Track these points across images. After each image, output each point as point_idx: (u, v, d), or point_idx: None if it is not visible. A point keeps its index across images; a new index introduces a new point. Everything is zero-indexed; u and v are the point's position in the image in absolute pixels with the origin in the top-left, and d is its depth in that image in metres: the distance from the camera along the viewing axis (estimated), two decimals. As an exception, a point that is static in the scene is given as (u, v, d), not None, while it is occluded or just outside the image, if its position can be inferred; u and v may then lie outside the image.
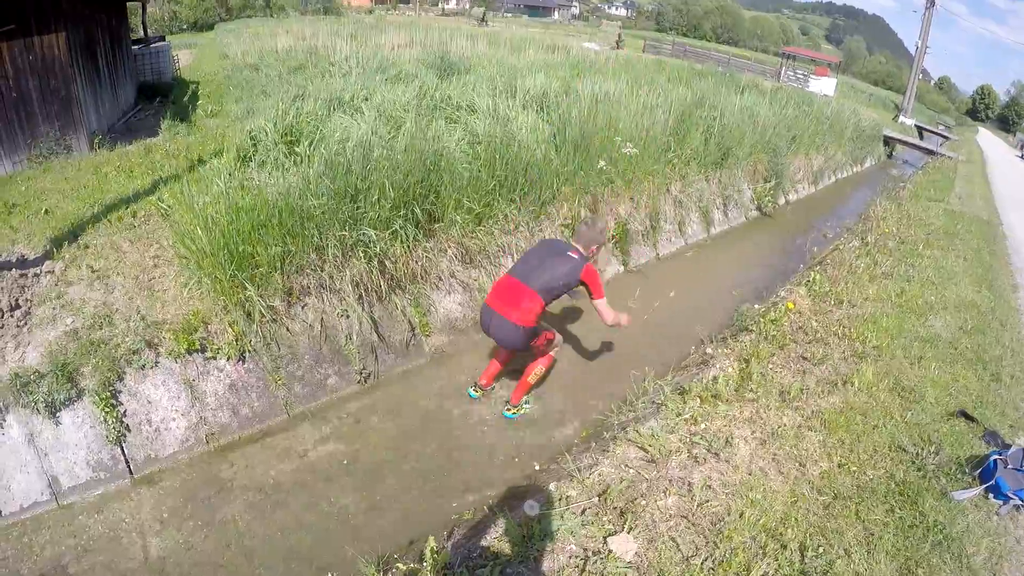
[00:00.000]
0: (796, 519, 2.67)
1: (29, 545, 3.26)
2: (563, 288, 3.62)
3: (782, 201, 9.55)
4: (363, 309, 3.98)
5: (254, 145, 5.14)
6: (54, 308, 4.03)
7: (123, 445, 3.62)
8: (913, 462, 3.16)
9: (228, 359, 3.74)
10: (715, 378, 3.80)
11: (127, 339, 3.71)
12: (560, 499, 2.69)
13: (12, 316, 3.98)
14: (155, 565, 3.24)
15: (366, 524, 3.26)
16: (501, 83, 8.07)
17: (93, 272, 4.29)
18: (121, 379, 3.66)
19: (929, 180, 12.00)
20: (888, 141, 18.14)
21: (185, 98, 9.96)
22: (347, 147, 4.22)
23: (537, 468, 3.55)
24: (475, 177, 4.48)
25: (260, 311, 3.68)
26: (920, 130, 23.81)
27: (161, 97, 9.82)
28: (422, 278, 4.25)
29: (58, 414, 3.59)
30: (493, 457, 3.66)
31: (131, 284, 4.11)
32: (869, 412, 3.54)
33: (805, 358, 4.17)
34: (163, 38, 11.88)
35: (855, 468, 3.05)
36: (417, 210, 3.96)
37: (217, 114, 8.69)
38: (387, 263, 3.98)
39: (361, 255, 3.77)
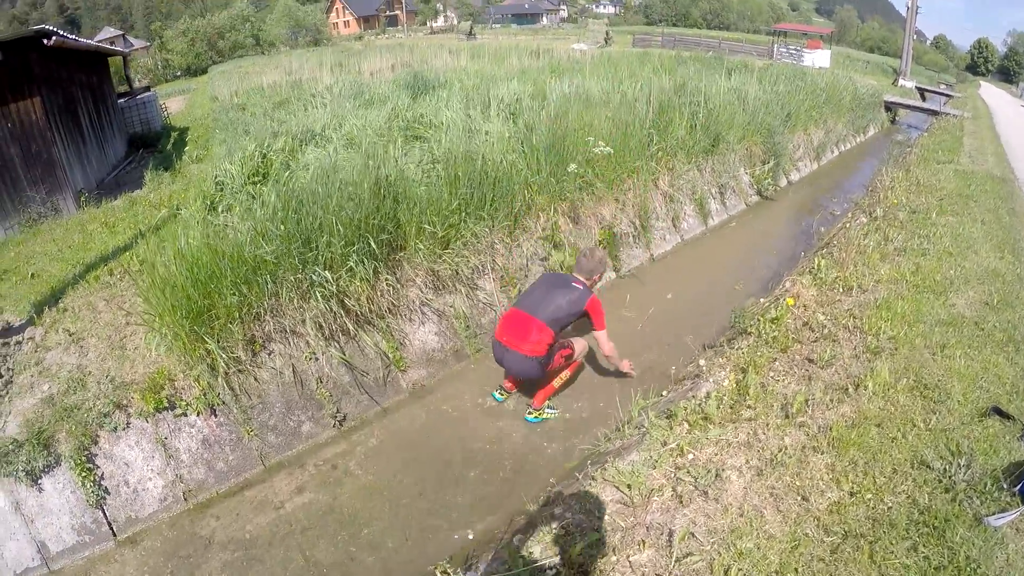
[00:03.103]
0: (796, 570, 2.25)
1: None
2: (569, 317, 3.74)
3: (783, 182, 9.14)
4: (331, 350, 3.91)
5: (221, 190, 5.15)
6: (32, 375, 4.07)
7: (104, 508, 3.62)
8: (940, 480, 2.64)
9: (198, 414, 3.70)
10: (708, 395, 3.48)
11: (98, 402, 3.71)
12: (522, 557, 2.47)
13: (-11, 390, 4.03)
14: None
15: None
16: (477, 95, 8.02)
17: (70, 336, 4.32)
18: (96, 443, 3.65)
19: (936, 142, 11.39)
20: (890, 107, 17.48)
21: (171, 145, 10.14)
22: (303, 183, 4.17)
23: (523, 519, 3.22)
24: (434, 198, 4.36)
25: (223, 363, 3.63)
26: (921, 91, 23.01)
27: (150, 147, 10.02)
28: (391, 311, 4.16)
29: (40, 481, 3.61)
30: (479, 497, 3.47)
31: (104, 345, 4.12)
32: (886, 421, 3.05)
33: (811, 360, 3.70)
34: (148, 88, 12.16)
35: (870, 496, 2.57)
36: (372, 243, 3.86)
37: (203, 159, 8.80)
38: (348, 301, 3.91)
39: (318, 296, 3.70)
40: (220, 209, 4.90)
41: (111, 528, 3.60)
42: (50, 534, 3.58)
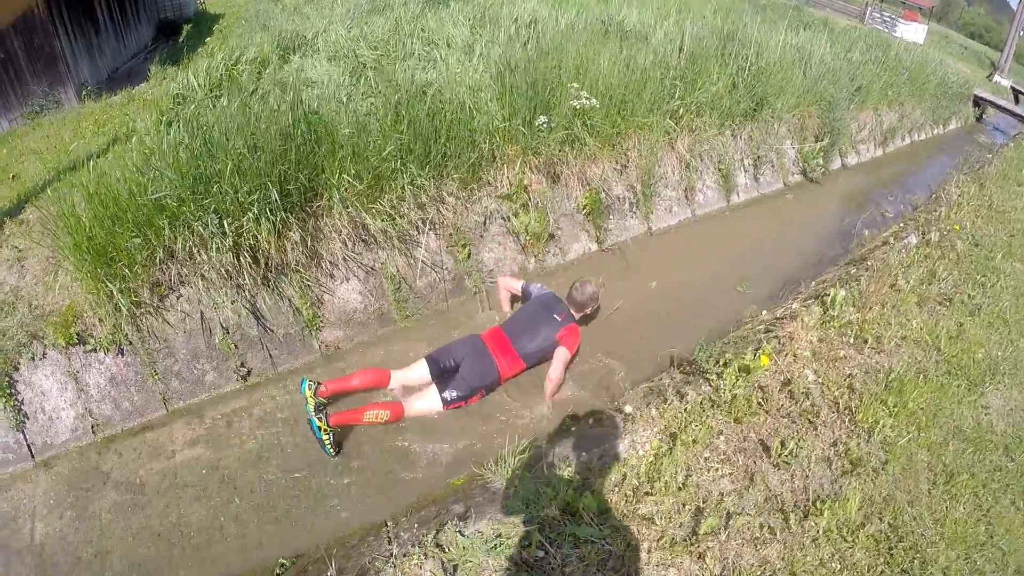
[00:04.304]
0: None
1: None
2: (542, 354, 3.67)
3: (836, 164, 7.75)
4: (240, 301, 3.75)
5: (180, 104, 4.85)
6: (-27, 291, 4.19)
7: (24, 431, 3.82)
8: None
9: (106, 352, 3.71)
10: (604, 463, 2.69)
11: (20, 331, 3.79)
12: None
13: (-63, 297, 4.19)
14: (36, 550, 3.48)
15: (199, 548, 3.20)
16: (496, 12, 7.03)
17: (18, 252, 4.38)
18: (17, 369, 3.78)
19: (1022, 156, 9.24)
20: (979, 102, 14.40)
21: (194, 35, 9.85)
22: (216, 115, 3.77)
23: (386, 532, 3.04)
24: (362, 143, 3.83)
25: (125, 306, 3.56)
26: (1016, 94, 18.99)
27: (174, 35, 9.79)
28: (308, 265, 3.89)
29: (-35, 400, 3.81)
30: (358, 493, 3.31)
31: (39, 269, 4.14)
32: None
33: (766, 448, 2.84)
34: (182, -27, 11.65)
35: None
36: (274, 193, 3.49)
37: (216, 53, 8.50)
38: (258, 251, 3.66)
39: (214, 247, 3.46)
40: (171, 129, 4.62)
41: (30, 451, 3.81)
42: None
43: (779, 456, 2.73)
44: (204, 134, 3.50)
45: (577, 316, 3.79)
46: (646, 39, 6.38)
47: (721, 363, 3.19)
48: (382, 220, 3.93)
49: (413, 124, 3.96)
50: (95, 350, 3.72)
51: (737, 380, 3.04)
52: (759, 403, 3.03)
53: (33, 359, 3.75)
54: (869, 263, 4.84)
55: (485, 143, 4.40)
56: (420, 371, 3.63)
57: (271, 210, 3.48)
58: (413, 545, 2.39)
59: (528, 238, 4.70)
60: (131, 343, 3.72)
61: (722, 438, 2.87)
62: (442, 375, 3.63)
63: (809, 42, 7.62)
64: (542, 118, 4.34)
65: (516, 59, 4.72)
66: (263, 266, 3.72)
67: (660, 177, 5.69)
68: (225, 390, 3.83)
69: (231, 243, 3.44)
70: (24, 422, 3.77)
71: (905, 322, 3.83)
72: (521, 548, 2.25)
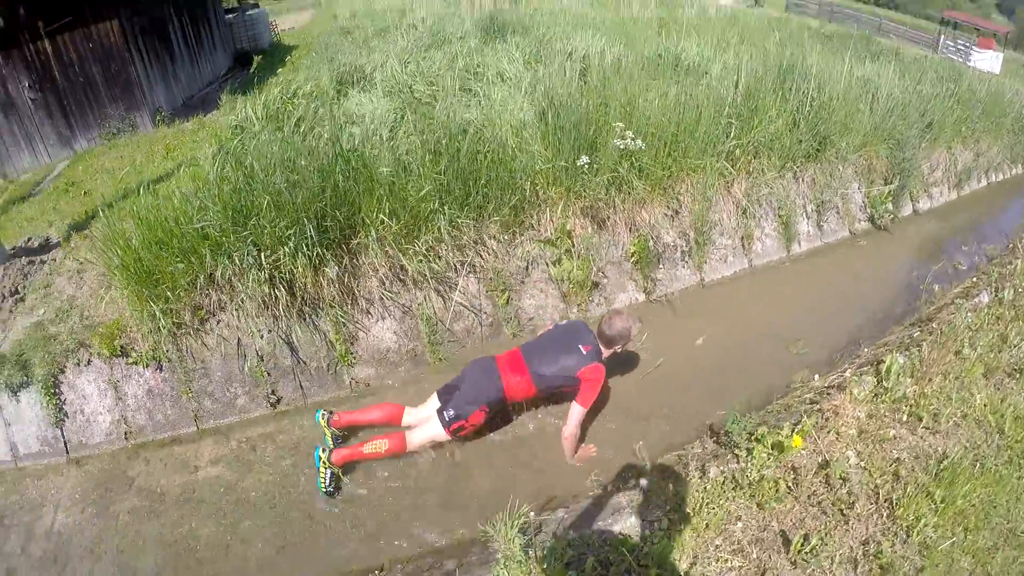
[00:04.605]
0: None
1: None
2: (559, 384, 3.39)
3: (907, 210, 7.10)
4: (276, 331, 3.85)
5: (240, 135, 5.12)
6: (38, 297, 4.49)
7: (62, 428, 4.04)
8: None
9: (146, 366, 3.89)
10: (605, 541, 2.47)
11: (71, 337, 4.01)
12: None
13: (7, 302, 4.52)
14: (53, 537, 3.71)
15: (203, 562, 3.27)
16: (553, 47, 7.16)
17: (79, 265, 4.68)
18: (63, 372, 4.00)
19: None
20: None
21: (266, 66, 10.48)
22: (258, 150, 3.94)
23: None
24: (400, 182, 3.85)
25: (166, 327, 3.72)
26: None
27: (248, 65, 10.44)
28: (346, 301, 3.96)
29: (18, 394, 4.06)
30: (349, 536, 3.25)
31: (96, 282, 4.40)
32: None
33: (785, 540, 2.51)
34: (257, 5, 12.47)
35: None
36: (310, 229, 3.59)
37: (275, 87, 8.98)
38: (296, 284, 3.77)
39: (252, 278, 3.58)
40: (221, 161, 4.84)
41: (66, 447, 4.03)
42: (20, 439, 4.07)
43: (799, 552, 2.42)
44: (245, 168, 3.67)
45: (605, 352, 3.45)
46: (705, 73, 6.16)
47: (753, 438, 2.93)
48: (418, 262, 3.96)
49: (452, 164, 4.02)
50: (136, 363, 3.90)
51: (768, 459, 2.76)
52: (788, 487, 2.71)
53: (79, 364, 3.98)
54: (934, 325, 4.39)
55: (527, 184, 4.40)
56: (431, 404, 3.52)
57: (307, 245, 3.57)
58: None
59: (571, 286, 4.60)
60: (170, 360, 3.88)
61: (739, 524, 2.58)
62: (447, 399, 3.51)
63: (876, 74, 7.08)
64: (584, 158, 4.30)
65: (560, 96, 4.73)
66: (299, 299, 3.81)
67: (714, 224, 5.31)
68: (254, 415, 3.91)
69: (267, 275, 3.55)
70: (64, 420, 4.00)
71: (968, 397, 3.39)
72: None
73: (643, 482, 2.80)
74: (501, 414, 3.65)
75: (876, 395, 3.34)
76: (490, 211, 4.28)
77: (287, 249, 3.50)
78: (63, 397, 4.00)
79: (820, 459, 2.89)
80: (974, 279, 5.55)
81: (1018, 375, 3.64)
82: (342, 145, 3.88)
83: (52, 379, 3.97)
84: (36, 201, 6.18)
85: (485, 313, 4.32)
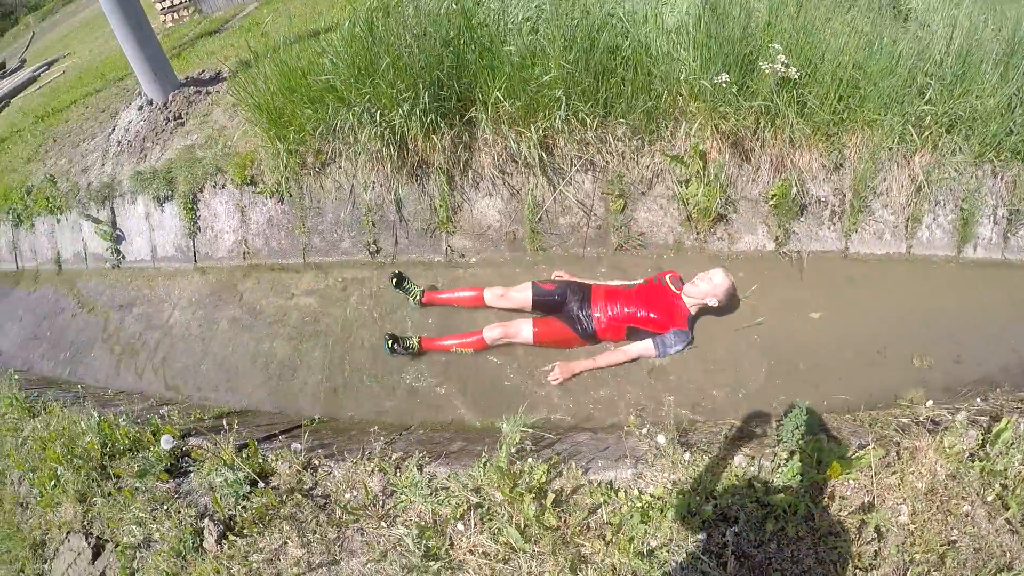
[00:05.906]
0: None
1: (127, 281, 4.81)
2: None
3: None
4: (384, 187, 3.95)
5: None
6: (195, 124, 4.97)
7: (195, 240, 4.51)
8: None
9: (269, 197, 4.19)
10: None
11: (213, 163, 4.41)
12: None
13: (170, 124, 5.04)
14: (165, 328, 4.24)
15: (271, 378, 3.66)
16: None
17: (238, 99, 5.09)
18: (201, 191, 4.43)
19: None
20: None
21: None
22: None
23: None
24: (522, 63, 3.62)
25: (291, 164, 3.96)
26: None
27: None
28: (453, 169, 3.95)
29: (163, 205, 4.59)
30: (395, 394, 3.43)
31: (245, 117, 4.75)
32: None
33: None
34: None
35: None
36: (423, 93, 3.49)
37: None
38: (405, 146, 3.80)
39: (366, 134, 3.65)
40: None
41: (195, 256, 4.53)
42: (160, 243, 4.65)
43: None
44: (372, 28, 3.69)
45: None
46: (926, 25, 5.14)
47: (796, 440, 2.40)
48: (530, 147, 3.82)
49: (584, 56, 3.76)
50: (261, 193, 4.22)
51: (799, 477, 2.24)
52: (804, 517, 2.20)
53: (215, 187, 4.39)
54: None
55: (665, 92, 4.04)
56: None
57: (423, 110, 3.56)
58: (383, 458, 2.53)
59: (696, 211, 4.24)
60: (291, 195, 4.15)
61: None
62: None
63: None
64: (724, 75, 3.83)
65: (724, 3, 4.22)
66: (410, 162, 3.87)
67: (879, 193, 4.61)
68: (355, 258, 4.12)
69: (380, 132, 3.61)
70: (196, 233, 4.48)
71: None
72: (453, 511, 2.24)
73: (660, 439, 2.45)
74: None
75: (972, 456, 2.55)
76: (619, 111, 3.99)
77: (402, 110, 3.51)
78: (198, 213, 4.46)
79: (865, 499, 2.32)
80: None
81: None
82: (467, 16, 3.75)
83: (192, 196, 4.44)
84: (220, 37, 6.86)
85: (596, 215, 4.10)
